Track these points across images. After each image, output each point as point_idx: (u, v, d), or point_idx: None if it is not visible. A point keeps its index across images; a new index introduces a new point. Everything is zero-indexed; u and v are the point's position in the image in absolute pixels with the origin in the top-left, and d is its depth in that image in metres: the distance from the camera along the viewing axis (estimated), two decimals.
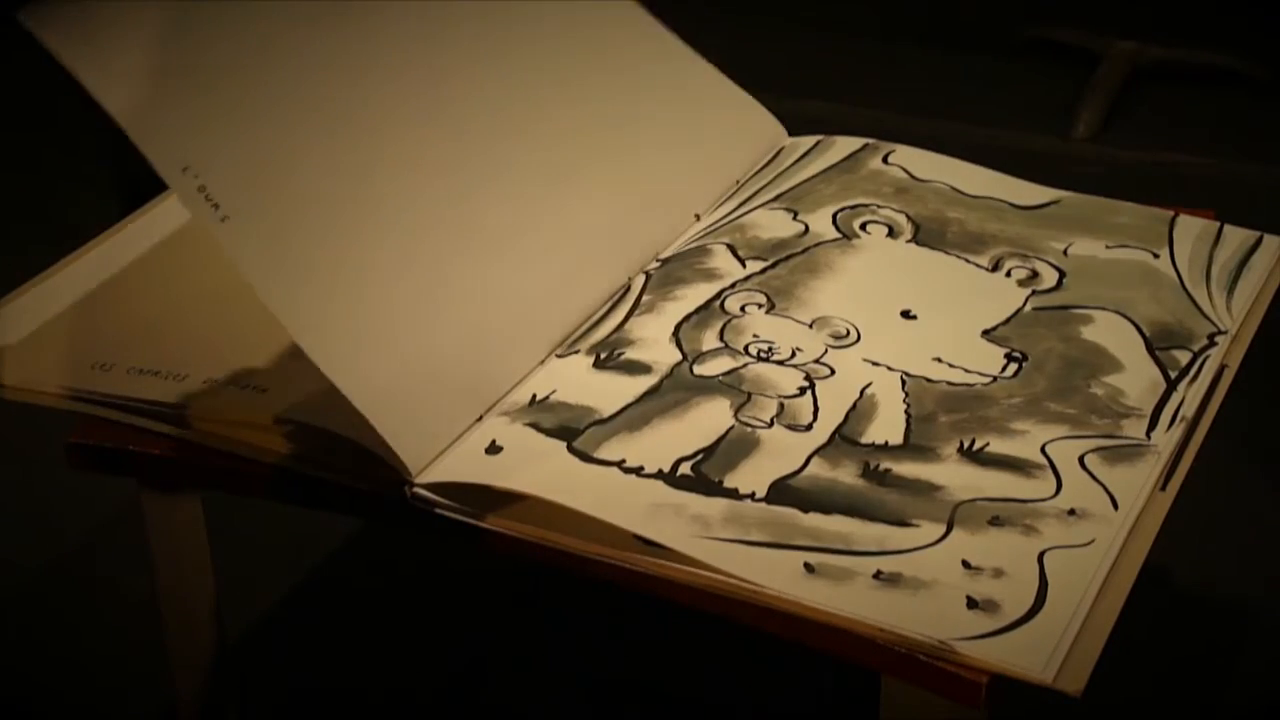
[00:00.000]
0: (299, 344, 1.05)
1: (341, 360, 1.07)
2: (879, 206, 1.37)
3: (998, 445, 1.12)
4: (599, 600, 1.58)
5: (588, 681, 1.54)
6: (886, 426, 1.14)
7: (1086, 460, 1.10)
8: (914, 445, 1.12)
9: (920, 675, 0.96)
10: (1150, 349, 1.21)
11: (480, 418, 1.13)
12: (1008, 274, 1.30)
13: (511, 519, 1.06)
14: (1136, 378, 1.19)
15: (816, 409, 1.15)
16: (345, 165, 1.13)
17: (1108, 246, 1.33)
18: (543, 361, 1.19)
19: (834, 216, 1.36)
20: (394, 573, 1.67)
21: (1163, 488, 1.09)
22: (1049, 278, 1.29)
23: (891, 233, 1.34)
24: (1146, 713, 1.50)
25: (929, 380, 1.18)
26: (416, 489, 1.07)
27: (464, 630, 1.61)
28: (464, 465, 1.09)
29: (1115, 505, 1.07)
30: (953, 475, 1.09)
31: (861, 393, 1.16)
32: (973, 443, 1.12)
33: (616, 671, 1.56)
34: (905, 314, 1.25)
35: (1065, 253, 1.32)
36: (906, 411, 1.15)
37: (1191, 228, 1.35)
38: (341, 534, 1.71)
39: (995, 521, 1.05)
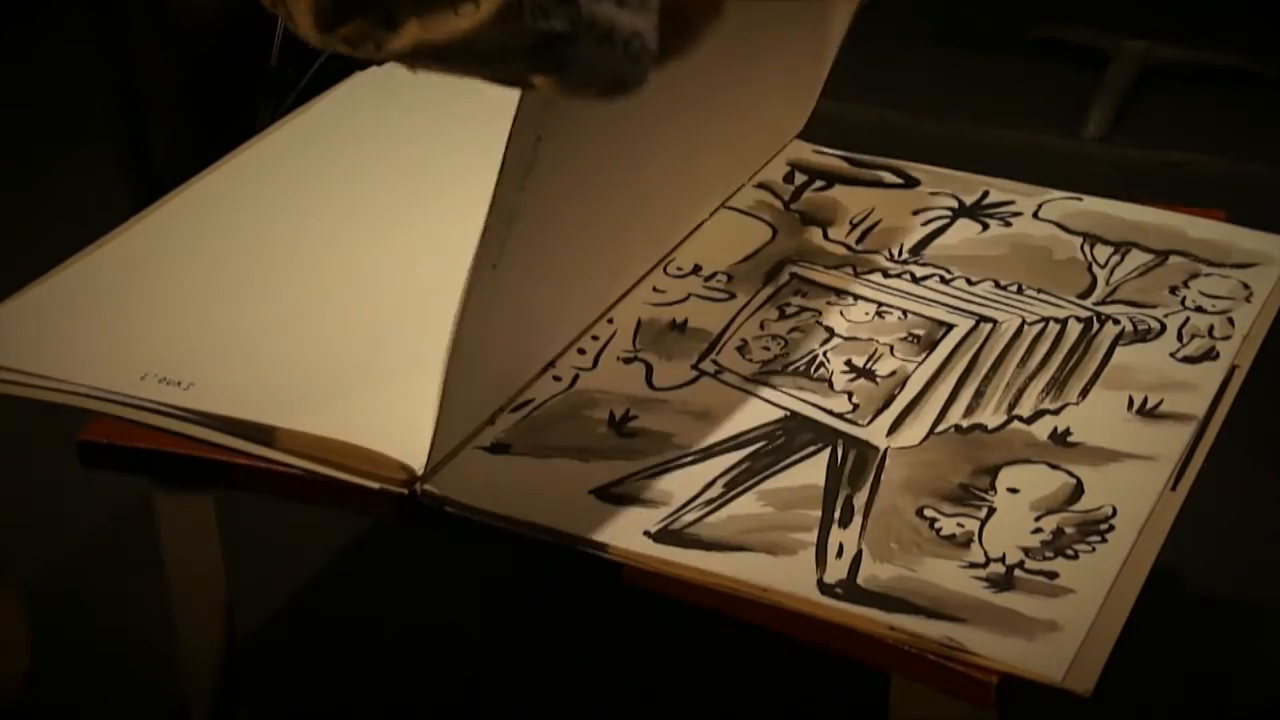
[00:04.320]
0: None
1: (328, 417, 1.10)
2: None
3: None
4: (607, 598, 1.58)
5: (595, 678, 1.55)
6: None
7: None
8: None
9: (930, 675, 0.96)
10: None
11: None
12: None
13: (520, 516, 1.06)
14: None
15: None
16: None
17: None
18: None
19: None
20: (403, 571, 1.67)
21: (1173, 488, 1.09)
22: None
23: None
24: (1155, 713, 1.50)
25: None
26: (425, 487, 1.07)
27: (473, 628, 1.61)
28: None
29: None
30: None
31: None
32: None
33: (622, 669, 1.56)
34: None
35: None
36: None
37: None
38: (352, 532, 1.71)
39: None
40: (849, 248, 1.33)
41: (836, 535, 1.04)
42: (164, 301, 1.26)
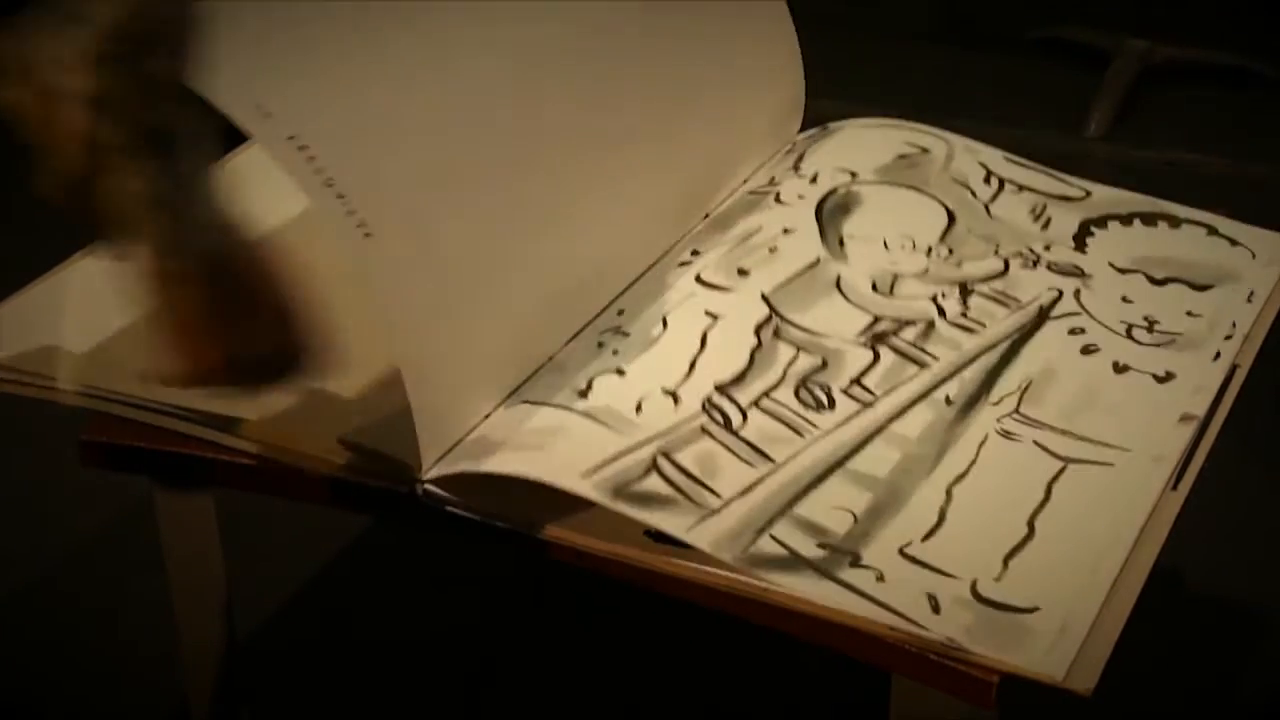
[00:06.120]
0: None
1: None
2: None
3: None
4: (608, 597, 1.58)
5: (595, 678, 1.55)
6: None
7: None
8: None
9: (931, 674, 0.96)
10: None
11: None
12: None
13: (520, 516, 1.06)
14: None
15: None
16: None
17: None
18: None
19: None
20: (403, 571, 1.67)
21: (1173, 488, 1.09)
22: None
23: None
24: (1155, 713, 1.49)
25: None
26: (427, 486, 1.07)
27: (473, 628, 1.61)
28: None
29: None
30: None
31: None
32: None
33: (622, 669, 1.56)
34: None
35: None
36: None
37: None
38: (352, 532, 1.71)
39: None
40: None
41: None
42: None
